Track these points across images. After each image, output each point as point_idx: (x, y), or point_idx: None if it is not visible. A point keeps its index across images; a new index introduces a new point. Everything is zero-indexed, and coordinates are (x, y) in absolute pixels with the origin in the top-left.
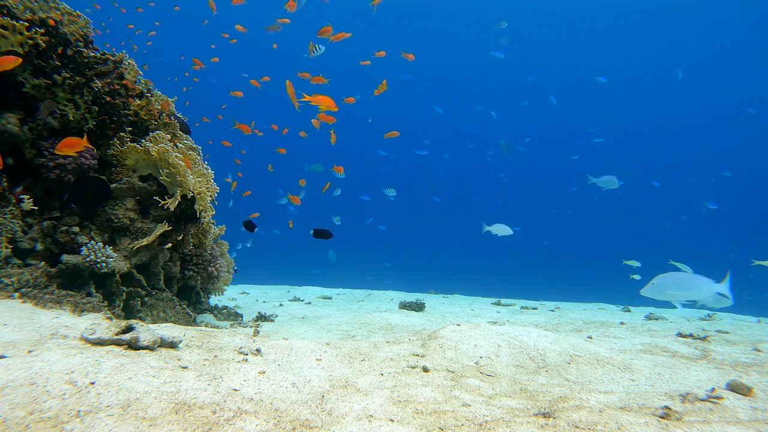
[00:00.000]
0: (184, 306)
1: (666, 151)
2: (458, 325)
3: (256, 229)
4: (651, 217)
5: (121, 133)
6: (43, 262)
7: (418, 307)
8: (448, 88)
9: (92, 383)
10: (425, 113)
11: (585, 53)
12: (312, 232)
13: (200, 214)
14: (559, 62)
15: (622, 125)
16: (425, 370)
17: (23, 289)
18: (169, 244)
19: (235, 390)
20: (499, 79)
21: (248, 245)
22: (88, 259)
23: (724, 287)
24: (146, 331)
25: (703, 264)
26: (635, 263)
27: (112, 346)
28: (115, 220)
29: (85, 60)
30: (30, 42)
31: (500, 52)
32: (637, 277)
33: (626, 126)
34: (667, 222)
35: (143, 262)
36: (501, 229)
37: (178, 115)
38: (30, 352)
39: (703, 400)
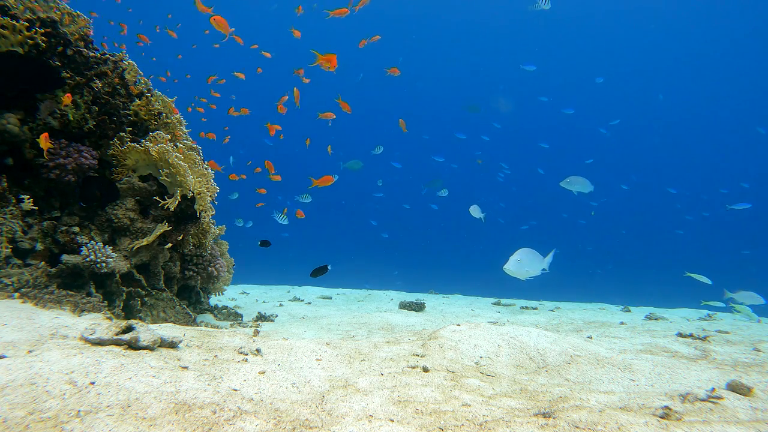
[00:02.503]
0: (184, 306)
1: (676, 157)
2: (458, 325)
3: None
4: (655, 220)
5: (121, 133)
6: (43, 262)
7: (418, 307)
8: (458, 92)
9: (92, 383)
10: (434, 117)
11: (601, 56)
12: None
13: (200, 214)
14: (574, 67)
15: (630, 129)
16: (425, 370)
17: (23, 289)
18: (169, 244)
19: (235, 390)
20: (513, 87)
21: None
22: (88, 259)
23: (545, 263)
24: (146, 331)
25: (710, 263)
26: (703, 279)
27: (112, 346)
28: (115, 220)
29: (85, 60)
30: (30, 42)
31: (531, 64)
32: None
33: (633, 130)
34: (680, 229)
35: (143, 262)
36: (475, 211)
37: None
38: (30, 352)
39: (703, 400)
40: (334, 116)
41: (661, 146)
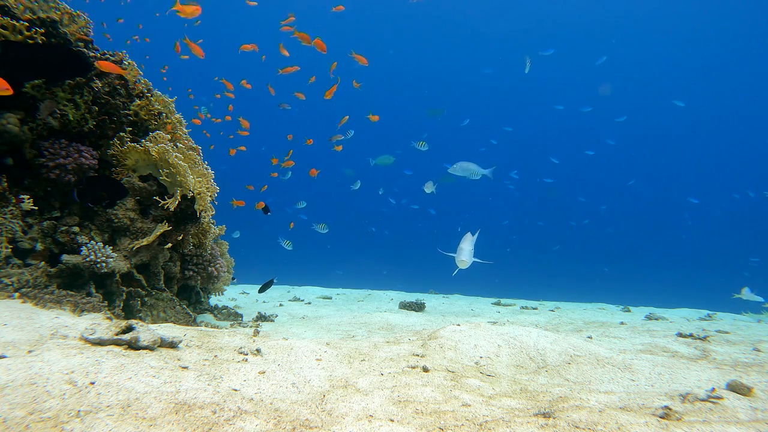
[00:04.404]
0: (184, 306)
1: (683, 160)
2: (458, 325)
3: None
4: (657, 220)
5: (121, 133)
6: (43, 262)
7: (418, 307)
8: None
9: (92, 383)
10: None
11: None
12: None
13: (200, 214)
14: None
15: (637, 131)
16: (425, 370)
17: (23, 289)
18: (169, 244)
19: (235, 390)
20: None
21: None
22: (88, 259)
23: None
24: (146, 331)
25: (720, 266)
26: (754, 297)
27: (112, 346)
28: (115, 220)
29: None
30: (30, 42)
31: (550, 49)
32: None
33: (639, 132)
34: (684, 233)
35: (143, 262)
36: (428, 187)
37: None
38: (30, 352)
39: (703, 400)
40: (351, 133)
41: (668, 149)
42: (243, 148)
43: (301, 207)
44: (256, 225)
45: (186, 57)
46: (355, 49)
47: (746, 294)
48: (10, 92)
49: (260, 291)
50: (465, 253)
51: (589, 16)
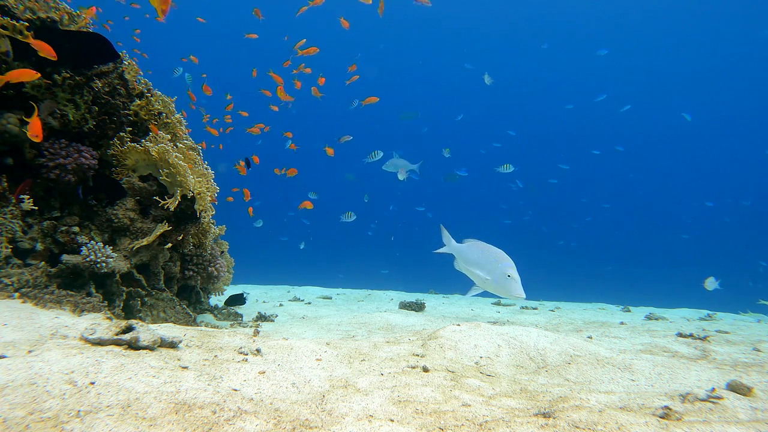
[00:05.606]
0: (184, 306)
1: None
2: (458, 325)
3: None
4: (658, 220)
5: (121, 133)
6: (43, 262)
7: (418, 307)
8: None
9: (92, 383)
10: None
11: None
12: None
13: (200, 214)
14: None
15: (637, 128)
16: (425, 370)
17: (23, 289)
18: (169, 244)
19: (235, 390)
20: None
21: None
22: (88, 259)
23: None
24: (146, 331)
25: (721, 267)
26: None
27: (112, 346)
28: (115, 220)
29: None
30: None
31: (547, 44)
32: None
33: (640, 131)
34: (684, 234)
35: (143, 262)
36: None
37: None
38: (30, 352)
39: (703, 400)
40: (356, 103)
41: (670, 149)
42: (256, 158)
43: (313, 197)
44: (257, 224)
45: (186, 59)
46: (346, 42)
47: (710, 284)
48: (39, 140)
49: (227, 303)
50: (520, 285)
51: (591, 13)
